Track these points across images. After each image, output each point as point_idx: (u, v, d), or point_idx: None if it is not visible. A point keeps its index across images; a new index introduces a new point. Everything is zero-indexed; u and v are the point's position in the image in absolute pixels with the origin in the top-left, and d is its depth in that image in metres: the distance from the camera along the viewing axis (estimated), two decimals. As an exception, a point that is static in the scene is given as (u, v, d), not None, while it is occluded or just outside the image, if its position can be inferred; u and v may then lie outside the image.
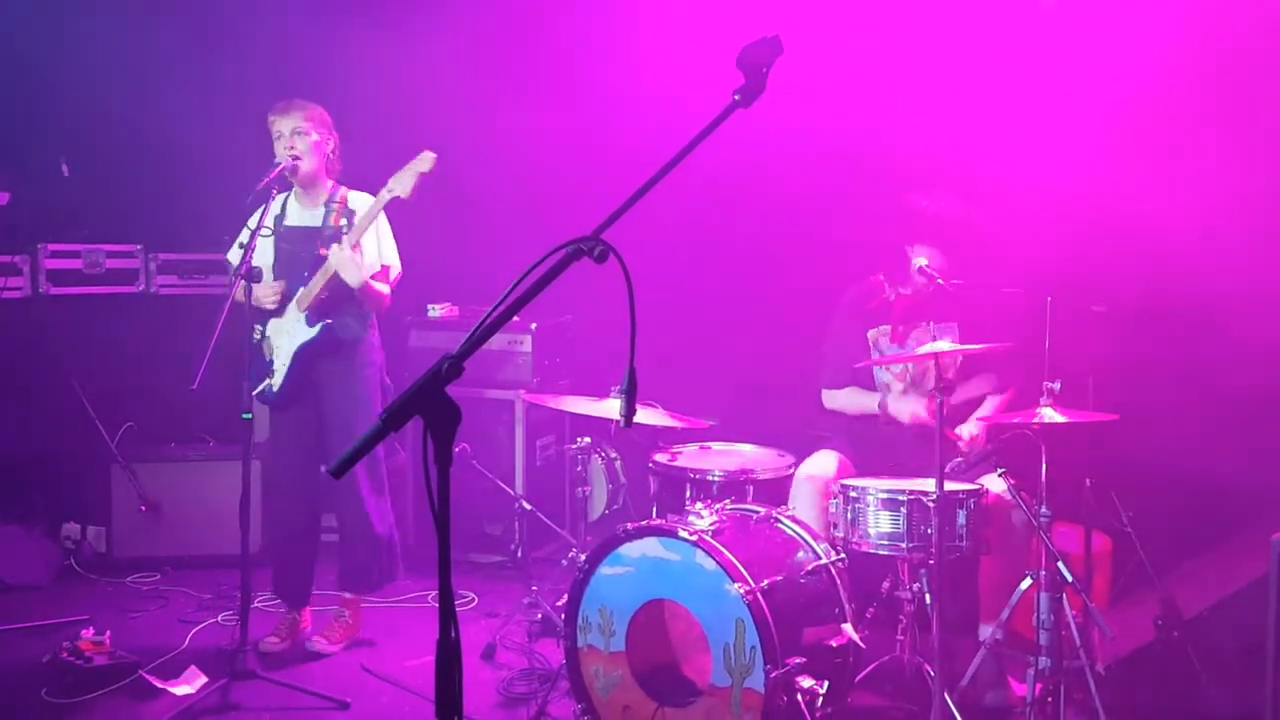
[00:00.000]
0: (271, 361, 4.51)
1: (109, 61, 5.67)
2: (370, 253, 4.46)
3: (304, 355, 4.47)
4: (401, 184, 4.21)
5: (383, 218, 4.45)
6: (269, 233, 4.37)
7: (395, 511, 5.92)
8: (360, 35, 5.82)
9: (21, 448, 5.73)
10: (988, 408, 4.33)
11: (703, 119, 2.11)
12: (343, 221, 4.47)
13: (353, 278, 4.33)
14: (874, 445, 4.31)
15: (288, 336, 4.49)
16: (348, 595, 4.69)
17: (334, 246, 4.31)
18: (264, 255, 4.43)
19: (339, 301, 4.45)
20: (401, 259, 4.62)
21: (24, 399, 5.74)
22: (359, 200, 4.52)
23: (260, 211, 4.23)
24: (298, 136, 4.37)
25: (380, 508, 4.64)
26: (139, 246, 6.12)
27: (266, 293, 4.42)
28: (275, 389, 4.50)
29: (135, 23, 5.71)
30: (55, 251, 5.92)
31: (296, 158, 4.34)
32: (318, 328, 4.45)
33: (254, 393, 4.42)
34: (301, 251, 4.45)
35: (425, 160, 4.19)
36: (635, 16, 5.57)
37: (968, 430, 4.21)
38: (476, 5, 5.97)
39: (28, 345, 5.79)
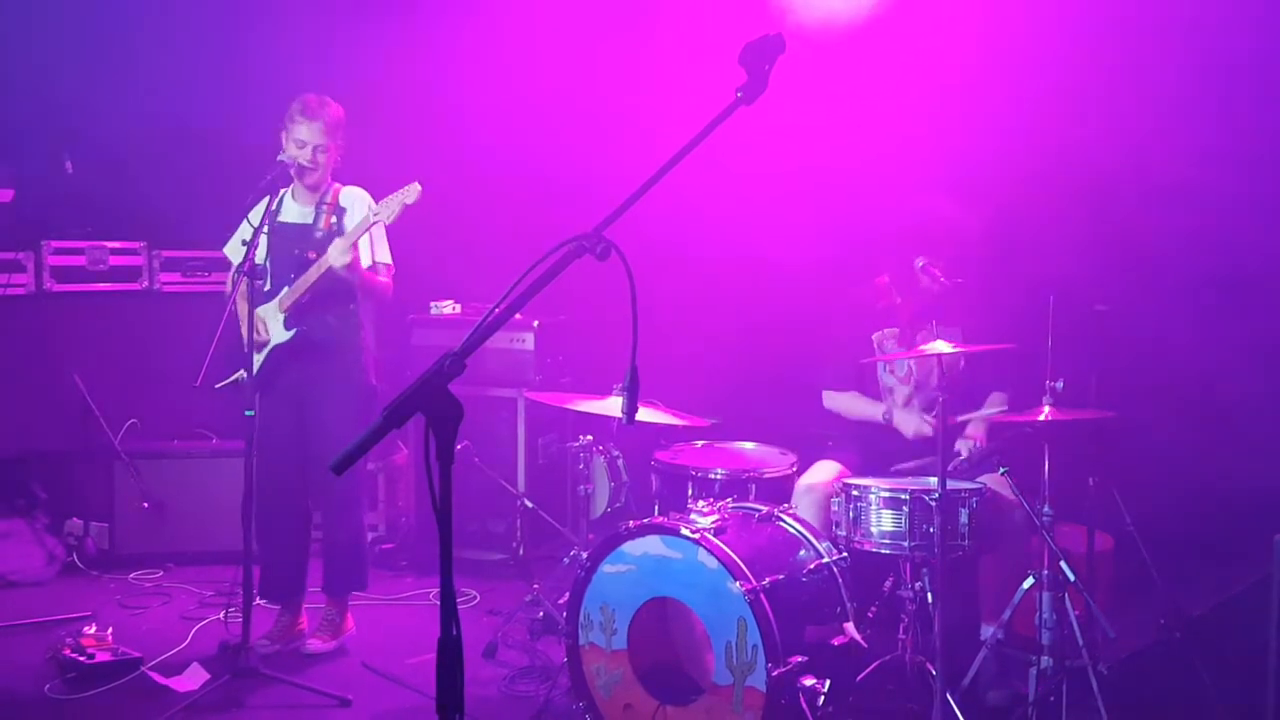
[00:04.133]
0: (251, 354, 4.48)
1: (112, 58, 5.67)
2: (363, 252, 4.43)
3: (278, 356, 4.47)
4: (387, 210, 4.19)
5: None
6: (266, 229, 4.36)
7: (397, 510, 5.97)
8: (369, 31, 5.83)
9: (24, 444, 5.74)
10: (988, 409, 4.32)
11: (706, 115, 2.11)
12: (333, 220, 4.45)
13: (353, 276, 4.30)
14: (875, 448, 4.29)
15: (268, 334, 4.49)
16: (330, 597, 4.67)
17: (332, 248, 4.25)
18: (261, 252, 4.40)
19: (321, 303, 4.42)
20: (404, 257, 4.61)
21: (27, 396, 5.74)
22: (349, 197, 4.50)
23: (264, 208, 4.22)
24: (318, 152, 4.37)
25: (353, 513, 4.64)
26: (142, 244, 6.12)
27: (259, 325, 4.41)
28: (243, 380, 4.42)
29: (138, 20, 5.71)
30: (59, 248, 5.92)
31: (304, 163, 4.34)
32: (291, 332, 4.44)
33: (224, 382, 4.39)
34: (293, 249, 4.44)
35: (411, 192, 4.18)
36: (640, 14, 5.57)
37: (966, 445, 4.19)
38: (480, 5, 5.97)
39: (31, 342, 5.79)
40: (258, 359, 4.45)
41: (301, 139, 4.37)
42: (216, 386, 4.38)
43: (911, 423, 4.23)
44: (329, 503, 4.59)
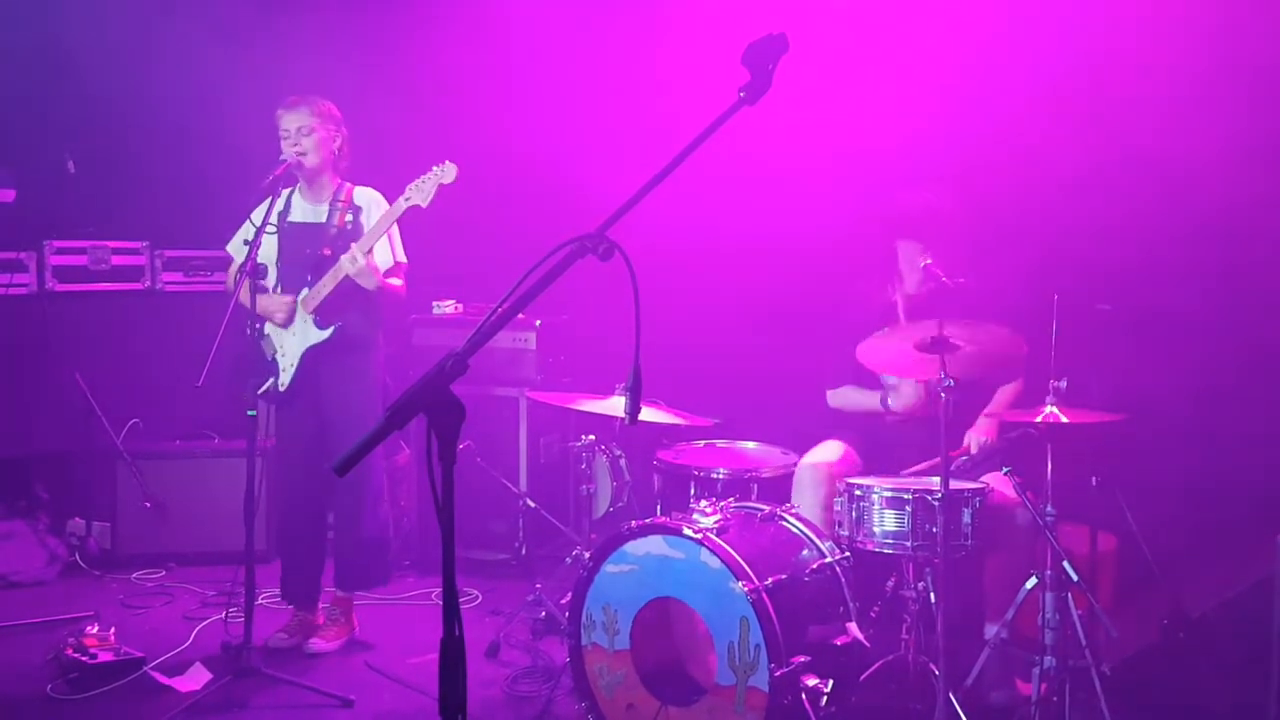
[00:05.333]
0: (275, 360, 4.51)
1: (115, 59, 5.67)
2: (383, 253, 4.44)
3: (313, 355, 4.47)
4: (422, 193, 4.20)
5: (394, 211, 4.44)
6: (273, 229, 4.37)
7: (398, 510, 5.96)
8: (368, 32, 5.83)
9: (27, 444, 5.74)
10: (995, 403, 4.32)
11: (709, 114, 2.10)
12: (348, 218, 4.46)
13: (370, 283, 4.34)
14: (880, 443, 4.30)
15: (294, 336, 4.48)
16: (340, 594, 4.68)
17: (345, 257, 4.30)
18: (267, 252, 4.44)
19: (349, 301, 4.43)
20: (406, 255, 4.62)
21: (29, 395, 5.74)
22: (364, 196, 4.51)
23: (266, 208, 4.22)
24: (302, 135, 4.37)
25: (377, 508, 4.64)
26: (144, 243, 6.12)
27: (277, 306, 4.43)
28: (283, 387, 4.49)
29: (141, 20, 5.71)
30: (61, 248, 5.92)
31: (300, 155, 4.34)
32: (330, 330, 4.44)
33: (259, 391, 4.39)
34: (305, 248, 4.45)
35: (448, 172, 4.18)
36: (642, 14, 5.57)
37: (977, 440, 4.19)
38: (481, 5, 5.96)
39: (33, 342, 5.79)
40: (292, 362, 4.46)
41: (286, 128, 4.38)
42: (260, 393, 4.36)
43: (909, 391, 4.22)
44: (353, 499, 4.57)
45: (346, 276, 4.33)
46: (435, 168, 4.21)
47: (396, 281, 4.50)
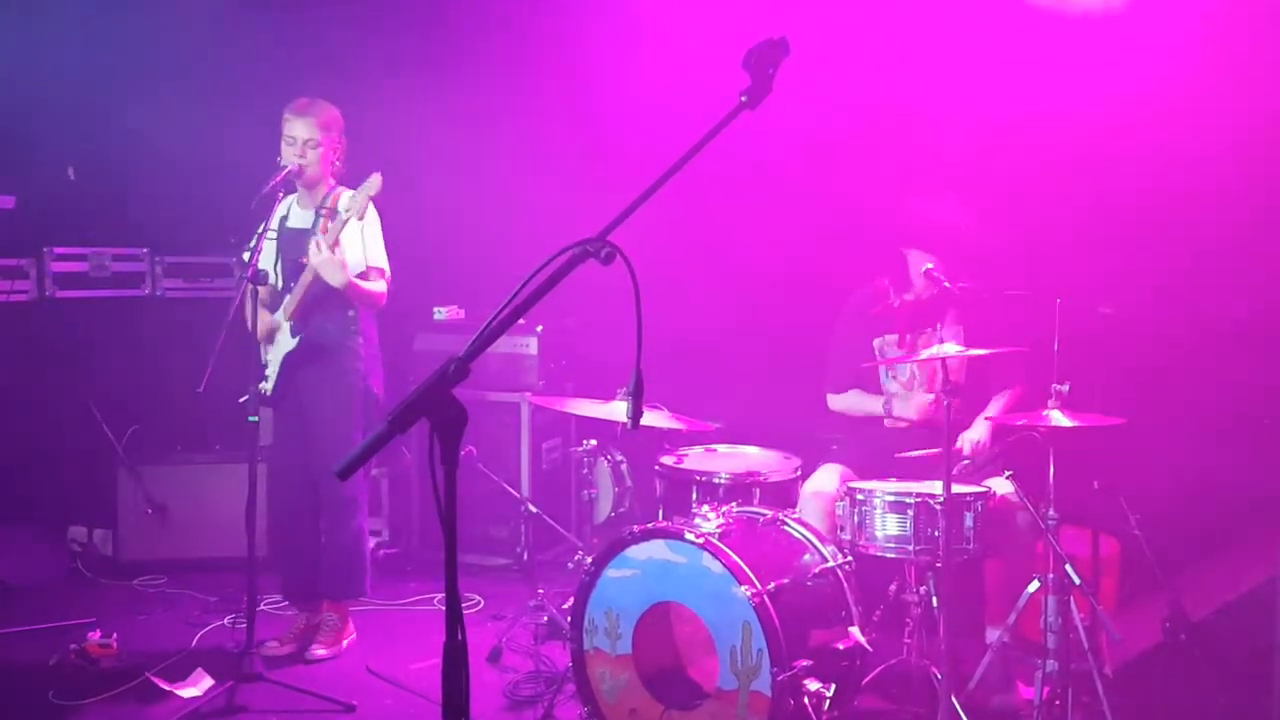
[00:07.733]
0: (265, 364, 4.51)
1: (115, 65, 5.67)
2: (354, 252, 4.38)
3: (289, 363, 4.49)
4: (356, 206, 4.18)
5: (373, 217, 4.41)
6: (273, 235, 4.38)
7: (401, 515, 5.97)
8: (366, 36, 5.83)
9: (28, 450, 5.74)
10: (993, 408, 4.32)
11: (710, 119, 2.10)
12: (330, 225, 4.46)
13: (335, 278, 4.27)
14: (879, 451, 4.29)
15: (276, 344, 4.51)
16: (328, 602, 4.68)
17: (310, 249, 4.27)
18: (268, 257, 4.43)
19: (319, 307, 4.42)
20: (407, 261, 4.61)
21: (30, 402, 5.74)
22: (345, 200, 4.51)
23: (272, 213, 4.21)
24: (308, 147, 4.36)
25: (355, 518, 4.62)
26: (145, 250, 6.12)
27: (268, 325, 4.46)
28: (268, 392, 4.49)
29: (141, 25, 5.71)
30: (61, 255, 5.92)
31: (302, 165, 4.34)
32: (297, 339, 4.45)
33: (245, 397, 4.37)
34: (297, 255, 4.44)
35: (373, 184, 4.16)
36: (643, 16, 5.57)
37: (970, 440, 4.19)
38: (481, 6, 5.97)
39: (34, 348, 5.79)
40: (273, 369, 4.47)
41: (292, 135, 4.37)
42: (240, 401, 4.34)
43: (913, 403, 4.22)
44: (329, 506, 4.58)
45: (316, 277, 4.30)
46: (364, 183, 4.17)
47: (374, 286, 4.43)
